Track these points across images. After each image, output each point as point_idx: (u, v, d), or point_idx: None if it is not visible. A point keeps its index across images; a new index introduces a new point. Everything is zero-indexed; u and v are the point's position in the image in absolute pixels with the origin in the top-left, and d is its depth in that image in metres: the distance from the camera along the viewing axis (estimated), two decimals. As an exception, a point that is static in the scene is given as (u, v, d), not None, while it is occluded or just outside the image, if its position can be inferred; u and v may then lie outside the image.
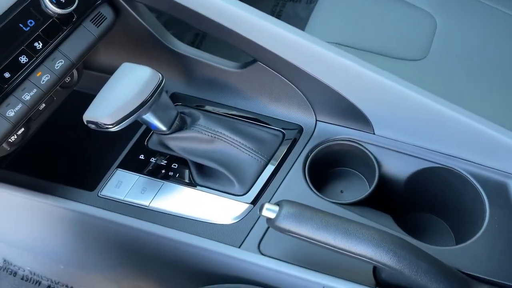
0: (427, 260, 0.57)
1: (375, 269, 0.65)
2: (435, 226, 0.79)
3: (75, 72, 0.81)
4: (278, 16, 1.69)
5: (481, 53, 1.03)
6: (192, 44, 1.61)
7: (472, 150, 0.70)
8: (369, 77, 0.69)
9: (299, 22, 1.62)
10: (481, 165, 0.70)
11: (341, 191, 0.79)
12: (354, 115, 0.74)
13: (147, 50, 0.83)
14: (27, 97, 0.66)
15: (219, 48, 0.75)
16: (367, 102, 0.72)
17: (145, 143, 0.81)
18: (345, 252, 0.56)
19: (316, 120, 0.78)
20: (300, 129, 0.79)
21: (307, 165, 0.75)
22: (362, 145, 0.75)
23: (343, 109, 0.74)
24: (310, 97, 0.77)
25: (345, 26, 1.11)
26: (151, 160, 0.78)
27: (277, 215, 0.58)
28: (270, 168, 0.75)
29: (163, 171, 0.77)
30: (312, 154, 0.76)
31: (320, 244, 0.57)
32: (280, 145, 0.77)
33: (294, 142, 0.77)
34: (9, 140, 0.72)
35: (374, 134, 0.74)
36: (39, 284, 1.12)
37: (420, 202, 0.78)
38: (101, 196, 0.75)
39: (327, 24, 1.13)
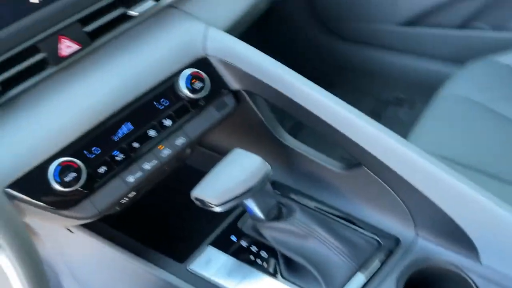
0: None
1: None
2: None
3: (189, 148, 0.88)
4: (377, 117, 1.71)
5: None
6: (294, 126, 1.66)
7: None
8: (480, 201, 0.66)
9: (401, 125, 1.61)
10: None
11: (435, 316, 0.74)
12: (458, 237, 0.70)
13: (256, 137, 0.88)
14: (147, 166, 0.72)
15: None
16: (475, 227, 0.68)
17: (239, 225, 0.83)
18: None
19: (416, 235, 0.76)
20: (396, 241, 0.76)
21: (401, 283, 0.71)
22: (468, 276, 0.70)
23: (446, 228, 0.71)
24: (411, 209, 0.75)
25: (452, 140, 1.08)
26: (242, 243, 0.80)
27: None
28: (360, 278, 0.72)
29: (252, 257, 0.78)
30: (409, 272, 0.72)
31: None
32: (374, 254, 0.75)
33: (389, 254, 0.75)
34: (121, 201, 0.78)
35: (481, 264, 0.69)
36: None
37: None
38: (189, 270, 0.77)
39: (433, 134, 1.11)
